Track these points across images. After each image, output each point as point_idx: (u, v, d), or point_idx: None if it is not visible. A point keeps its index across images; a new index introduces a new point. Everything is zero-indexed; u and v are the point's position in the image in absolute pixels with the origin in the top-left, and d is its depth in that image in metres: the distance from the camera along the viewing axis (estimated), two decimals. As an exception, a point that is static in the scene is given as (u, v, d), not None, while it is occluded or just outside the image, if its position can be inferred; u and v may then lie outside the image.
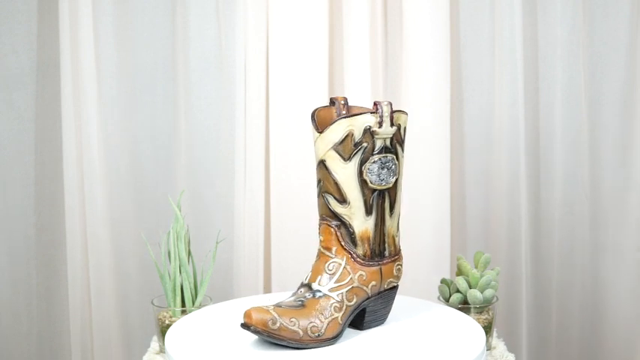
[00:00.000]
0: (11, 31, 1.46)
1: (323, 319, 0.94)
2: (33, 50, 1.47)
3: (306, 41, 1.44)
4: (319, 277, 0.97)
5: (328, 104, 1.02)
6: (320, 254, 0.99)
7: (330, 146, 0.96)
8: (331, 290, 0.96)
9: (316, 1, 1.43)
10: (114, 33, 1.46)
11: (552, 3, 1.49)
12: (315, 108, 1.00)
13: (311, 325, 0.93)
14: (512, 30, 1.46)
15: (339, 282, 0.96)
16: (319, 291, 0.95)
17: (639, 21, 1.50)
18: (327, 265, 0.97)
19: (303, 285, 0.98)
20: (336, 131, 0.95)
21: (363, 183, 0.97)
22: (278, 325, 0.91)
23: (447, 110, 1.46)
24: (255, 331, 0.91)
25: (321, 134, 0.96)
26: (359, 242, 0.98)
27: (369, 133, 0.95)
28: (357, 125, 0.95)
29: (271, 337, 0.91)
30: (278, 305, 0.94)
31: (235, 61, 1.45)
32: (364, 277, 0.98)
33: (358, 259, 0.98)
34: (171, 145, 1.51)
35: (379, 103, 0.96)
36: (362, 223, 0.98)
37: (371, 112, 0.95)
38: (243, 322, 0.91)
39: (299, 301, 0.95)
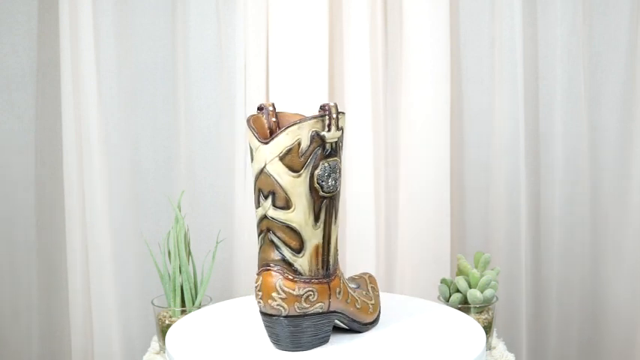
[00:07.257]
0: (11, 31, 1.46)
1: None
2: (33, 50, 1.47)
3: (306, 41, 1.44)
4: None
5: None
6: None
7: None
8: None
9: (316, 1, 1.43)
10: (114, 33, 1.46)
11: (552, 3, 1.49)
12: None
13: None
14: (512, 30, 1.46)
15: None
16: None
17: (639, 21, 1.50)
18: None
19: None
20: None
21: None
22: None
23: (447, 110, 1.46)
24: None
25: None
26: None
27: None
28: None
29: None
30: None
31: (235, 61, 1.45)
32: None
33: None
34: (171, 145, 1.51)
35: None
36: None
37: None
38: None
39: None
